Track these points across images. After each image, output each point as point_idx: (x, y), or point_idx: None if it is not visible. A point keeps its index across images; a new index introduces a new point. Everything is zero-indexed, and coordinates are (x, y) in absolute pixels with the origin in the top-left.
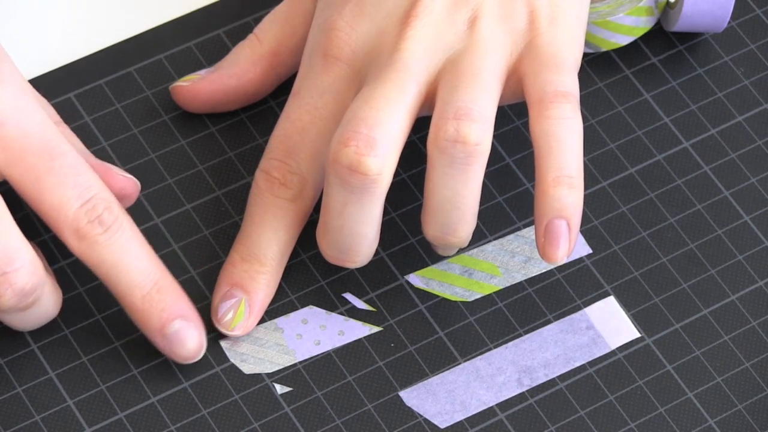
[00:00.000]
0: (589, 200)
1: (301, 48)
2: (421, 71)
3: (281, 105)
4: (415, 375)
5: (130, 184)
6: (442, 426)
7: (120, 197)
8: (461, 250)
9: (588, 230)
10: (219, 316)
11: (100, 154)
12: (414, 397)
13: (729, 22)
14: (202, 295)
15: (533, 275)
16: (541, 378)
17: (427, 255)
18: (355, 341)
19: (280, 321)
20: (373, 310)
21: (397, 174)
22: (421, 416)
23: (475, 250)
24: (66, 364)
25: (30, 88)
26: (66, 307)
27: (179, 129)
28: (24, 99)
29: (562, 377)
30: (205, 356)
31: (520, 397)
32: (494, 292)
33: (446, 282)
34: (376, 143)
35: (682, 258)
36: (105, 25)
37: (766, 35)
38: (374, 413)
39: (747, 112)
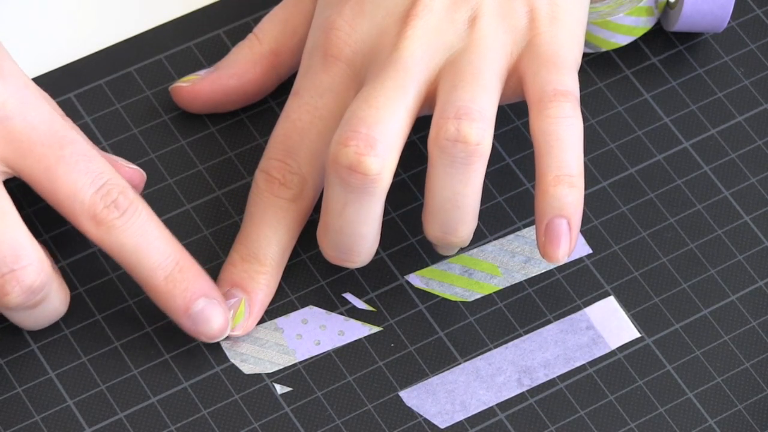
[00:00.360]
0: (589, 200)
1: (300, 48)
2: (421, 71)
3: (281, 105)
4: (415, 375)
5: (136, 174)
6: (442, 426)
7: None
8: (461, 250)
9: (588, 230)
10: None
11: None
12: (414, 397)
13: (729, 22)
14: None
15: (533, 275)
16: (541, 378)
17: (427, 255)
18: (355, 341)
19: (280, 321)
20: (373, 310)
21: (397, 174)
22: (421, 416)
23: (475, 250)
24: (66, 364)
25: (32, 83)
26: None
27: (179, 129)
28: (27, 93)
29: (562, 377)
30: (205, 356)
31: (520, 397)
32: (494, 292)
33: (446, 282)
34: (376, 143)
35: (682, 258)
36: (105, 25)
37: (766, 35)
38: (374, 413)
39: (747, 112)
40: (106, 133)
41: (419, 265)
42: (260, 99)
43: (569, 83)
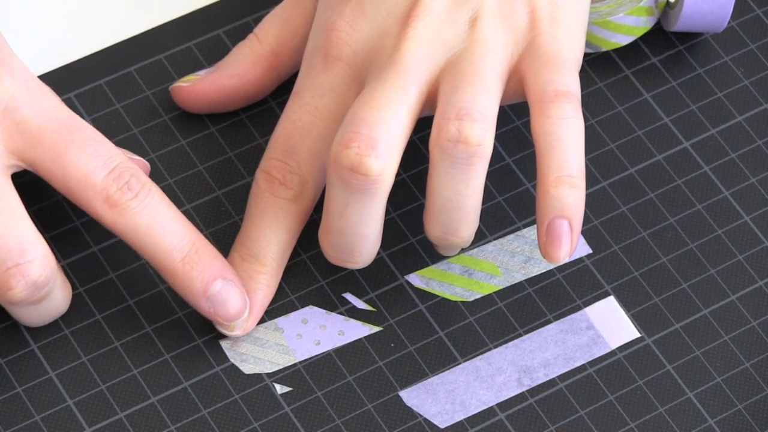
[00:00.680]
0: (589, 200)
1: (301, 48)
2: (422, 71)
3: (281, 105)
4: (415, 375)
5: (141, 165)
6: (442, 426)
7: None
8: (462, 250)
9: (588, 230)
10: None
11: None
12: (414, 397)
13: (729, 22)
14: None
15: (533, 275)
16: (541, 378)
17: (427, 255)
18: (355, 341)
19: (280, 321)
20: (373, 310)
21: (397, 174)
22: (421, 416)
23: (475, 250)
24: (66, 364)
25: (38, 79)
26: None
27: (179, 129)
28: (34, 85)
29: (562, 377)
30: (205, 356)
31: (520, 397)
32: (494, 292)
33: (446, 282)
34: (378, 144)
35: (682, 258)
36: (105, 25)
37: (766, 35)
38: (374, 413)
39: (747, 112)
40: (106, 133)
41: (419, 265)
42: (260, 99)
43: (570, 83)
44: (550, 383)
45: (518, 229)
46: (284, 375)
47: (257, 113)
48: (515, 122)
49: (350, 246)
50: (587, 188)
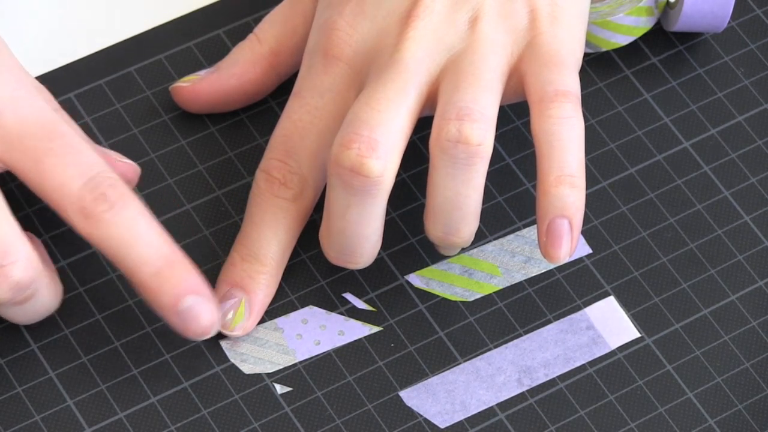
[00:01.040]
0: (589, 200)
1: (301, 48)
2: (422, 72)
3: (281, 105)
4: (415, 375)
5: (129, 168)
6: (442, 426)
7: None
8: (462, 250)
9: (588, 230)
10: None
11: None
12: (414, 397)
13: (729, 22)
14: None
15: (533, 275)
16: (541, 378)
17: (427, 255)
18: (355, 341)
19: (280, 321)
20: (373, 310)
21: (397, 174)
22: (421, 416)
23: (475, 250)
24: (66, 364)
25: (29, 77)
26: (66, 307)
27: (179, 129)
28: (21, 87)
29: (562, 377)
30: (205, 356)
31: (520, 397)
32: (494, 292)
33: (446, 282)
34: (378, 145)
35: (682, 258)
36: (105, 25)
37: (766, 35)
38: (374, 413)
39: (747, 112)
40: (106, 133)
41: (419, 265)
42: (260, 99)
43: (570, 83)
44: (550, 383)
45: (518, 229)
46: (284, 375)
47: (257, 113)
48: (515, 122)
49: (351, 247)
50: (587, 188)
